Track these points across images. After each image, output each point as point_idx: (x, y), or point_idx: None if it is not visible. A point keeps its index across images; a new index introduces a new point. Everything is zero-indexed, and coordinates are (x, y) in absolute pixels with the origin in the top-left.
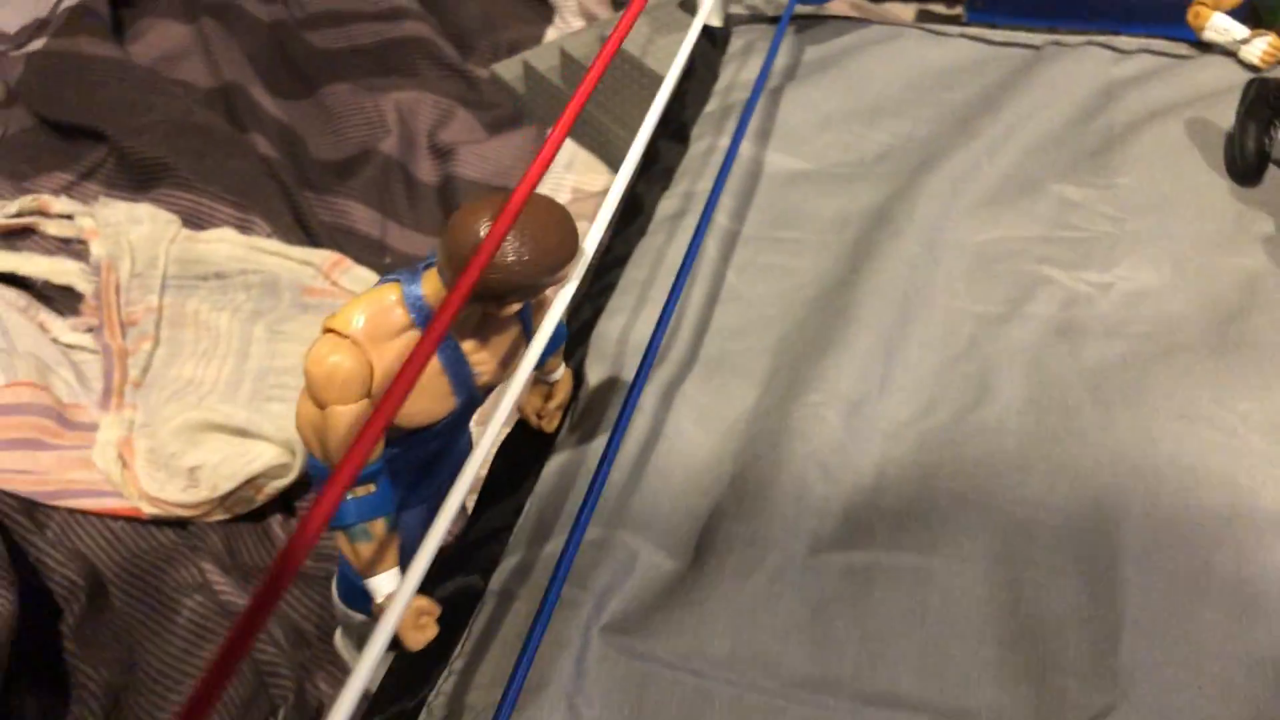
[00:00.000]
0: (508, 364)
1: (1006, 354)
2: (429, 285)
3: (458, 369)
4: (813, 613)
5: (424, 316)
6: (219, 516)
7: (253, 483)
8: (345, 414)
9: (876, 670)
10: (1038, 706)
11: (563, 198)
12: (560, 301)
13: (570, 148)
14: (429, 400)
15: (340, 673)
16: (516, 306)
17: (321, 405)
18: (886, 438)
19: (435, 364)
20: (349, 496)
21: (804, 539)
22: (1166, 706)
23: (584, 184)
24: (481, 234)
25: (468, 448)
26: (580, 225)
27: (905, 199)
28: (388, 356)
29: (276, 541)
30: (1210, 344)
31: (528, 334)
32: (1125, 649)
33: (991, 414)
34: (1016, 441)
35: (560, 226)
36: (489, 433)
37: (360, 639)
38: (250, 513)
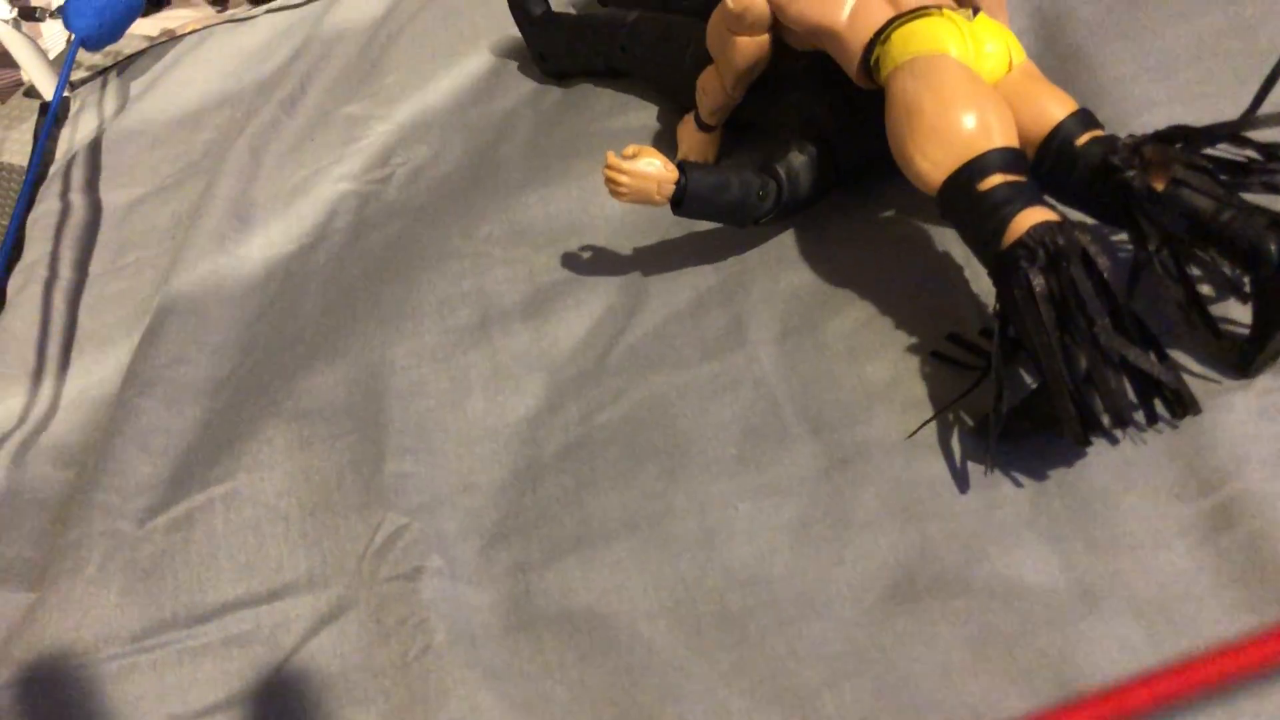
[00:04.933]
0: None
1: (313, 279)
2: None
3: None
4: (146, 574)
5: None
6: None
7: None
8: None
9: (205, 593)
10: (338, 548)
11: None
12: None
13: None
14: None
15: None
16: None
17: None
18: (200, 394)
19: None
20: None
21: (131, 517)
22: (433, 500)
23: None
24: None
25: None
26: None
27: (223, 180)
28: None
29: None
30: (467, 186)
31: None
32: (388, 470)
33: (293, 329)
34: (307, 347)
35: None
36: None
37: None
38: None
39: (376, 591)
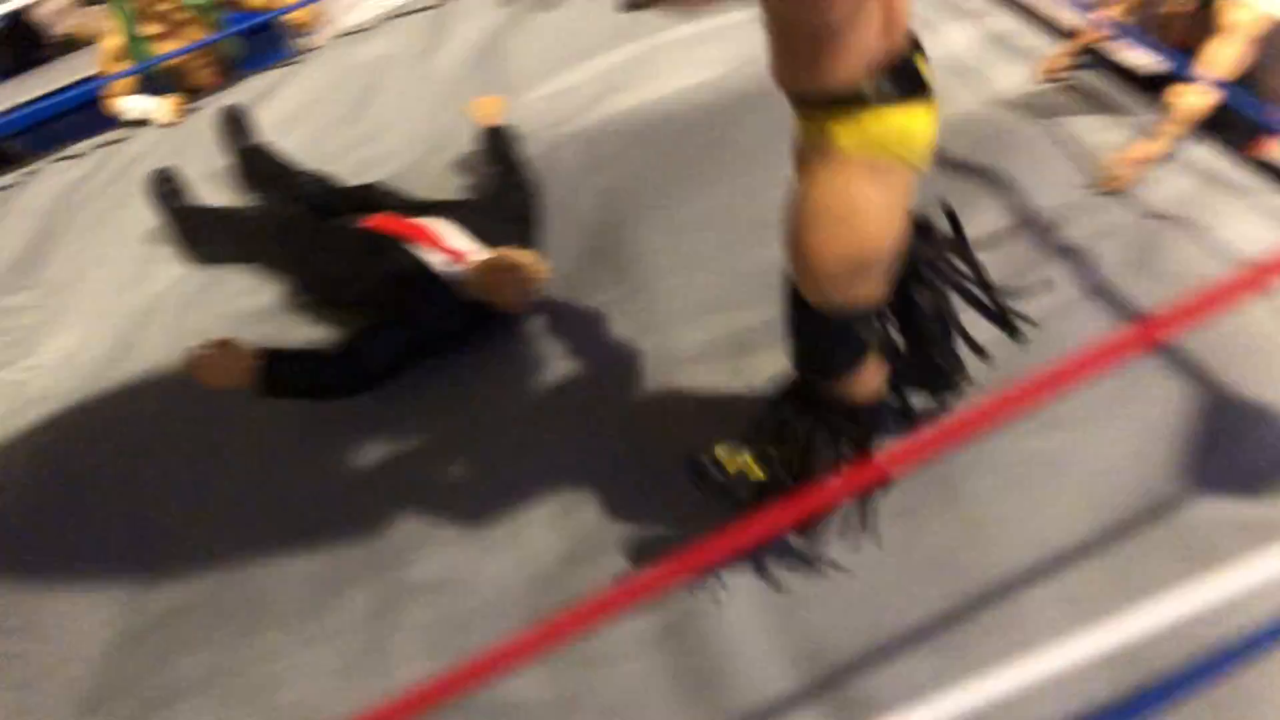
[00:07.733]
0: None
1: None
2: None
3: None
4: None
5: None
6: None
7: None
8: None
9: None
10: None
11: None
12: None
13: None
14: None
15: None
16: None
17: None
18: None
19: None
20: None
21: None
22: (34, 675)
23: None
24: None
25: None
26: None
27: None
28: None
29: None
30: (111, 374)
31: None
32: None
33: None
34: None
35: None
36: None
37: None
38: None
39: None
